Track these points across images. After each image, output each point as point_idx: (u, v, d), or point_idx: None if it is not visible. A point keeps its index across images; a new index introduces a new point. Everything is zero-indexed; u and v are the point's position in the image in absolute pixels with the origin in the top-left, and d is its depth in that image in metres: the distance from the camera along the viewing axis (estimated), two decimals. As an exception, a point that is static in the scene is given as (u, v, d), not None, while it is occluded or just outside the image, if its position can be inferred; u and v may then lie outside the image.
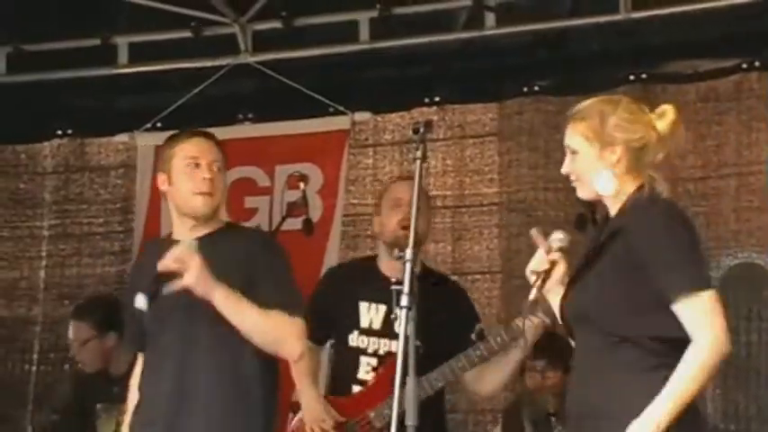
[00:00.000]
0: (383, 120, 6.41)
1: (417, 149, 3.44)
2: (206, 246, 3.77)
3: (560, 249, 3.33)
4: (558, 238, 3.27)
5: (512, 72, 6.21)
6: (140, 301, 3.77)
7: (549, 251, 3.31)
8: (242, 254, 3.86)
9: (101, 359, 5.24)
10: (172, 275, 3.63)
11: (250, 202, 6.45)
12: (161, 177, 3.83)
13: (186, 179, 3.78)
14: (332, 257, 6.49)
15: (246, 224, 5.60)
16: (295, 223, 5.83)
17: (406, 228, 3.79)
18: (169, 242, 3.85)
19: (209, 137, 4.01)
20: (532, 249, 3.36)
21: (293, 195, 6.55)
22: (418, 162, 3.46)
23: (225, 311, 3.70)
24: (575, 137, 3.26)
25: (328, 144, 6.69)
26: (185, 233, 3.86)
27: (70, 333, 5.59)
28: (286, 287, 3.88)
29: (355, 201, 6.52)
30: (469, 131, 6.32)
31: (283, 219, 5.65)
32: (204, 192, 3.79)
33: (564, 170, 3.30)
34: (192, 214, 3.79)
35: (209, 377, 3.81)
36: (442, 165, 6.20)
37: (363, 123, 6.47)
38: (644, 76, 5.79)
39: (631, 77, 5.74)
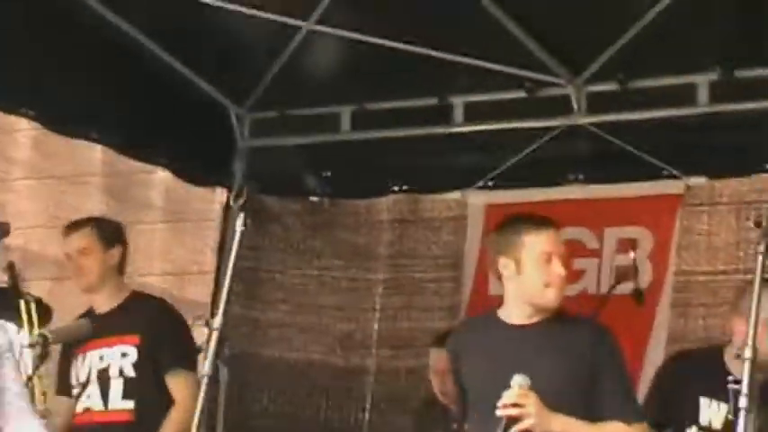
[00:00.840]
0: (720, 185, 6.26)
1: (759, 244, 3.44)
2: (543, 332, 3.99)
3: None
4: None
5: None
6: None
7: None
8: (584, 346, 4.00)
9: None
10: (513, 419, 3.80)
11: (578, 263, 6.34)
12: (504, 262, 3.94)
13: (540, 273, 3.91)
14: (662, 325, 6.43)
15: (572, 286, 5.73)
16: (623, 288, 5.88)
17: None
18: (495, 322, 4.08)
19: (557, 227, 4.13)
20: None
21: (623, 260, 6.57)
22: (760, 257, 3.47)
23: None
24: None
25: (660, 208, 6.62)
26: (518, 317, 4.02)
27: (431, 361, 5.88)
28: (628, 393, 4.08)
29: (687, 267, 6.37)
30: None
31: (613, 286, 5.82)
32: (558, 286, 3.96)
33: None
34: (541, 306, 3.94)
35: None
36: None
37: (698, 188, 6.36)
38: None
39: None
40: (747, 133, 6.21)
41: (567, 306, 4.35)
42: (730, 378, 3.88)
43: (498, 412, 3.86)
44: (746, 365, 3.38)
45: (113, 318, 5.30)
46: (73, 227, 5.52)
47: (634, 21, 5.86)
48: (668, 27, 5.86)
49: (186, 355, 5.31)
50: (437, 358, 5.88)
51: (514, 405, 3.84)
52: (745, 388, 3.36)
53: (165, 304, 5.56)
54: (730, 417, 3.79)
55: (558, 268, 3.95)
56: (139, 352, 5.21)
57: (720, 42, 6.12)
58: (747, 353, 3.41)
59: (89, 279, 5.30)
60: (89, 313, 5.30)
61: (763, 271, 3.56)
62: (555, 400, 3.95)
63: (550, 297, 3.97)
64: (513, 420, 3.85)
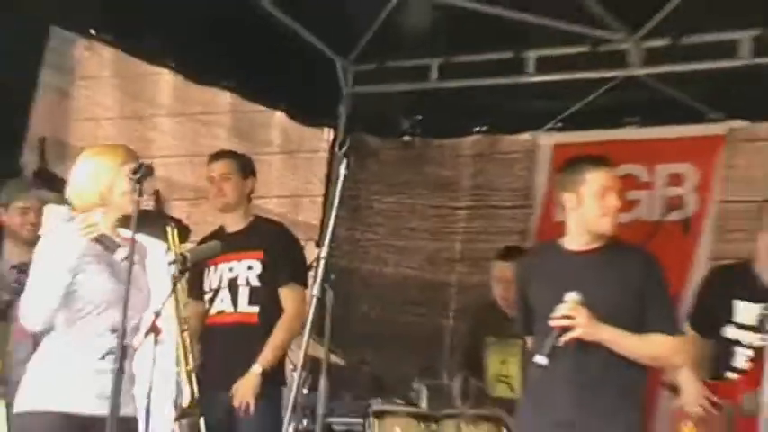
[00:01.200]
0: (757, 127, 6.65)
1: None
2: (601, 257, 4.30)
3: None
4: None
5: None
6: (541, 360, 4.18)
7: None
8: (635, 271, 4.29)
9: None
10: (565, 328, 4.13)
11: (632, 195, 6.73)
12: (567, 196, 4.27)
13: (597, 204, 4.24)
14: (704, 249, 6.79)
15: (626, 215, 5.95)
16: (672, 216, 6.23)
17: None
18: (558, 249, 4.40)
19: (612, 165, 4.44)
20: None
21: (672, 192, 6.94)
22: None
23: (610, 345, 4.21)
24: None
25: (706, 147, 6.99)
26: (578, 244, 4.35)
27: (495, 271, 6.31)
28: (670, 312, 4.36)
29: (728, 198, 6.73)
30: None
31: (664, 215, 6.24)
32: (612, 216, 4.29)
33: None
34: (598, 233, 4.26)
35: (602, 389, 4.36)
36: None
37: (739, 130, 6.71)
38: None
39: None
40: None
41: (621, 233, 4.61)
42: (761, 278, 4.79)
43: (551, 323, 4.16)
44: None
45: (241, 236, 5.65)
46: (218, 156, 5.86)
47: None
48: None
49: (300, 272, 5.69)
50: (500, 268, 6.32)
51: (566, 317, 4.14)
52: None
53: (283, 227, 5.88)
54: (765, 311, 4.41)
55: (612, 200, 4.21)
56: (263, 266, 5.55)
57: (762, 4, 6.24)
58: None
59: (227, 200, 5.62)
60: (221, 231, 5.71)
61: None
62: (607, 316, 4.22)
63: (605, 225, 4.22)
64: (565, 330, 4.15)
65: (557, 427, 4.35)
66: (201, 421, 5.23)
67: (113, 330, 4.07)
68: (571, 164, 4.44)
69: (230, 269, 5.60)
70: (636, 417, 4.43)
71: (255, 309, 5.59)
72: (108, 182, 4.22)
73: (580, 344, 4.18)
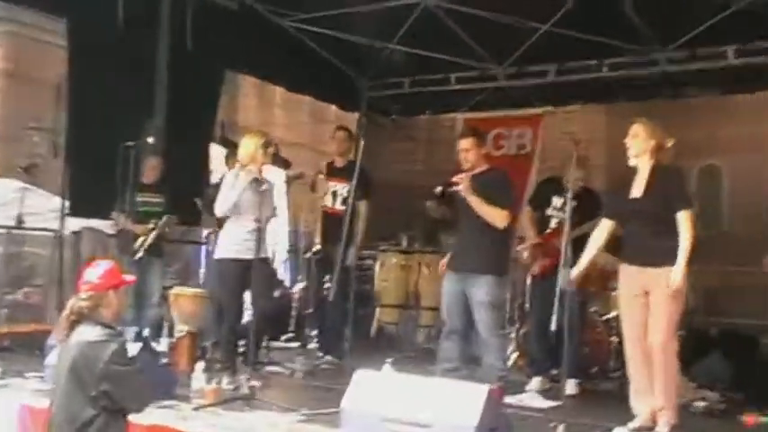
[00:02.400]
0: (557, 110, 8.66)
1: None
2: (479, 173, 5.42)
3: None
4: None
5: None
6: (437, 191, 5.48)
7: None
8: (493, 175, 5.57)
9: None
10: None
11: (501, 142, 9.03)
12: None
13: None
14: (535, 169, 8.81)
15: (498, 152, 8.36)
16: (519, 152, 8.47)
17: None
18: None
19: (464, 136, 5.71)
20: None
21: (519, 141, 8.92)
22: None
23: (472, 204, 5.44)
24: None
25: (533, 119, 9.04)
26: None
27: None
28: (503, 198, 5.51)
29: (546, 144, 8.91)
30: None
31: (517, 151, 8.41)
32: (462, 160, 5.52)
33: None
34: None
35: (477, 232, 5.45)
36: None
37: (550, 111, 8.84)
38: None
39: None
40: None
41: (497, 160, 6.57)
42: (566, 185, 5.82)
43: (453, 179, 5.42)
44: (570, 187, 5.25)
45: (343, 170, 6.97)
46: (340, 127, 7.30)
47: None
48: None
49: (368, 192, 6.79)
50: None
51: (459, 178, 5.40)
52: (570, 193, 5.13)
53: (364, 170, 6.55)
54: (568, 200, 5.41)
55: (461, 156, 5.49)
56: (350, 188, 6.68)
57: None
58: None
59: (346, 151, 7.04)
60: (332, 164, 7.11)
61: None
62: (479, 192, 5.33)
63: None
64: (455, 184, 5.38)
65: (456, 252, 5.62)
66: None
67: (256, 220, 5.60)
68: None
69: (334, 185, 7.02)
70: (499, 251, 5.63)
71: (343, 207, 6.85)
72: (253, 149, 5.77)
73: (467, 207, 5.43)
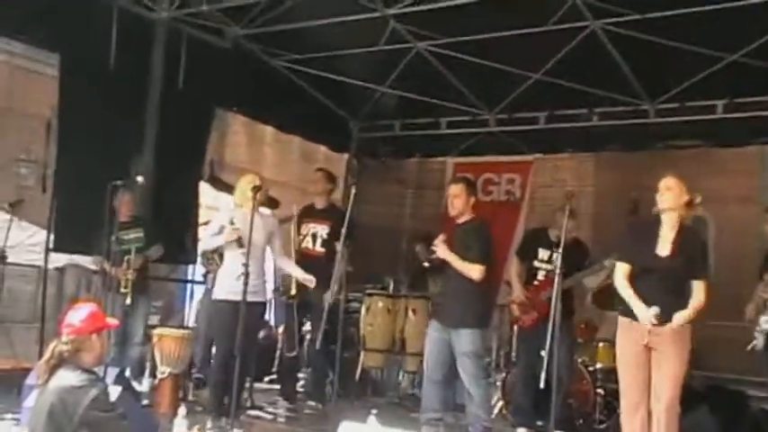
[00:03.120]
0: (550, 157, 8.79)
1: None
2: (462, 225, 5.60)
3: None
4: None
5: None
6: (426, 263, 5.83)
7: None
8: (471, 230, 5.63)
9: None
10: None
11: (490, 188, 9.14)
12: None
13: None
14: (522, 219, 8.94)
15: (488, 197, 8.35)
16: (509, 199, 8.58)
17: None
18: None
19: (454, 182, 5.85)
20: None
21: (508, 187, 8.89)
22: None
23: (451, 263, 5.61)
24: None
25: (524, 166, 9.09)
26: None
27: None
28: (480, 252, 5.60)
29: (534, 194, 8.89)
30: None
31: (505, 198, 8.44)
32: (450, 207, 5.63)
33: None
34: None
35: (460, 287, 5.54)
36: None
37: (540, 158, 8.89)
38: None
39: None
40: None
41: (484, 206, 6.61)
42: (552, 238, 6.09)
43: (433, 247, 5.64)
44: (562, 240, 5.11)
45: (323, 212, 7.00)
46: (320, 170, 7.28)
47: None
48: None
49: (341, 233, 6.53)
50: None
51: (434, 246, 5.61)
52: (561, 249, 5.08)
53: (343, 212, 6.68)
54: (554, 253, 5.74)
55: (449, 202, 5.60)
56: (330, 230, 6.87)
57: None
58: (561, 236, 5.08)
59: (325, 192, 7.04)
60: (312, 206, 7.08)
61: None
62: (459, 251, 5.48)
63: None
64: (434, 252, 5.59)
65: (442, 305, 5.76)
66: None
67: (243, 264, 5.52)
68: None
69: (314, 227, 7.02)
70: (480, 304, 5.74)
71: (323, 250, 6.96)
72: (243, 191, 5.84)
73: (444, 263, 5.61)
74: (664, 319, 4.61)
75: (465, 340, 5.59)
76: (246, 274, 5.45)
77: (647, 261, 4.70)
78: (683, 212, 4.73)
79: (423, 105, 8.95)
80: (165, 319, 8.18)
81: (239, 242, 5.62)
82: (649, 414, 4.76)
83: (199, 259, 7.49)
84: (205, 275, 7.48)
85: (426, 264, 5.83)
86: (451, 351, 5.66)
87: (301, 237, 6.99)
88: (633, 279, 4.75)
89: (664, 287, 4.66)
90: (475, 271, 5.57)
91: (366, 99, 9.34)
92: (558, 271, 5.18)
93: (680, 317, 4.54)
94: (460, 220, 5.76)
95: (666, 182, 4.71)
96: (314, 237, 7.06)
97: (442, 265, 5.72)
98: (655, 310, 4.59)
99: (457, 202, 5.80)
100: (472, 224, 5.77)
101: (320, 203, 7.14)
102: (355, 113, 9.82)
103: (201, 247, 5.97)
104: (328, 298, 6.65)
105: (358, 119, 9.89)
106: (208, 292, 7.18)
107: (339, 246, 6.61)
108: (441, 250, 5.57)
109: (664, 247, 4.72)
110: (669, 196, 4.70)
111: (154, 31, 7.55)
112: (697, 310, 4.60)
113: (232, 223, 5.72)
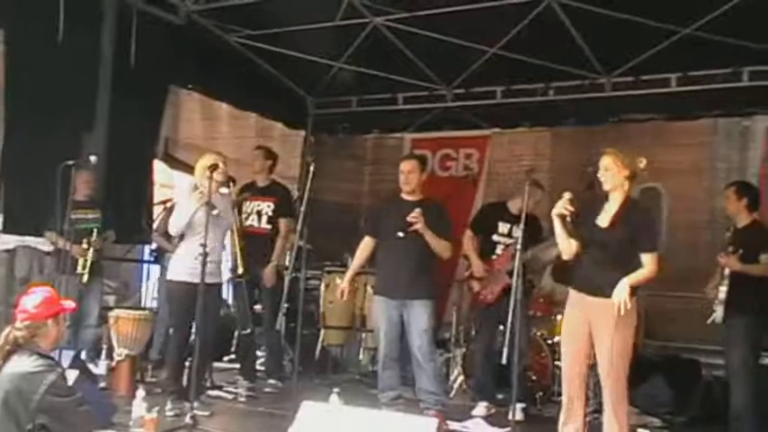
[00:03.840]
0: (506, 132, 8.95)
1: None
2: (420, 203, 5.64)
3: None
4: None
5: None
6: (401, 233, 5.52)
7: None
8: (434, 209, 5.76)
9: None
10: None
11: (447, 164, 9.08)
12: None
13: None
14: (480, 194, 8.92)
15: (445, 173, 8.43)
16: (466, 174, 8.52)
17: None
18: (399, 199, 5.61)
19: (406, 159, 5.88)
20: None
21: (466, 162, 8.86)
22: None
23: (427, 239, 5.68)
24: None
25: (481, 141, 9.07)
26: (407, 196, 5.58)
27: None
28: (447, 229, 5.77)
29: (492, 168, 8.89)
30: None
31: (463, 173, 8.50)
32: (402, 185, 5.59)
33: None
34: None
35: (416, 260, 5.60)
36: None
37: (498, 132, 8.89)
38: None
39: None
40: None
41: (441, 183, 6.85)
42: (514, 211, 6.20)
43: (408, 219, 5.60)
44: (523, 216, 5.08)
45: (266, 189, 7.00)
46: (260, 147, 7.16)
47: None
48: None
49: (292, 210, 6.76)
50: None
51: (414, 218, 5.61)
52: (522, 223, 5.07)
53: (286, 187, 7.18)
54: (514, 228, 5.98)
55: (401, 178, 5.64)
56: (275, 206, 6.86)
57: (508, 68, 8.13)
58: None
59: (264, 169, 7.01)
60: (253, 184, 7.00)
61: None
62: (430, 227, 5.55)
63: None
64: (411, 225, 5.61)
65: (393, 278, 5.71)
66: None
67: (202, 245, 5.44)
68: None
69: (258, 204, 6.98)
70: (431, 276, 5.86)
71: (269, 227, 6.94)
72: (201, 171, 5.77)
73: (404, 235, 5.69)
74: (603, 292, 4.61)
75: (423, 316, 5.63)
76: (205, 255, 5.39)
77: (585, 233, 4.71)
78: (626, 187, 4.71)
79: (379, 81, 8.88)
80: (121, 300, 8.10)
81: (209, 205, 5.56)
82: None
83: (154, 237, 7.41)
84: (158, 255, 7.42)
85: (401, 234, 5.66)
86: (405, 328, 5.68)
87: (245, 215, 6.92)
88: (579, 252, 4.76)
89: (602, 259, 4.65)
90: (448, 249, 5.74)
91: (322, 75, 9.21)
92: (518, 245, 5.14)
93: (619, 290, 4.51)
94: (413, 198, 5.78)
95: (603, 162, 4.70)
96: (258, 214, 7.00)
97: (400, 237, 5.69)
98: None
99: (411, 177, 5.84)
100: (431, 204, 5.81)
101: (261, 181, 7.07)
102: (312, 90, 9.71)
103: (175, 225, 5.82)
104: (268, 273, 6.66)
105: (314, 95, 9.80)
106: (165, 271, 6.91)
107: (292, 223, 6.63)
108: (421, 224, 5.62)
109: (604, 220, 4.73)
110: (607, 176, 4.69)
111: (103, 5, 7.35)
112: (641, 282, 4.58)
113: (196, 188, 5.69)
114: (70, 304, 4.04)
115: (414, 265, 5.68)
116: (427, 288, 5.73)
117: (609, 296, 4.57)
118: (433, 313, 5.73)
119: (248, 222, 6.95)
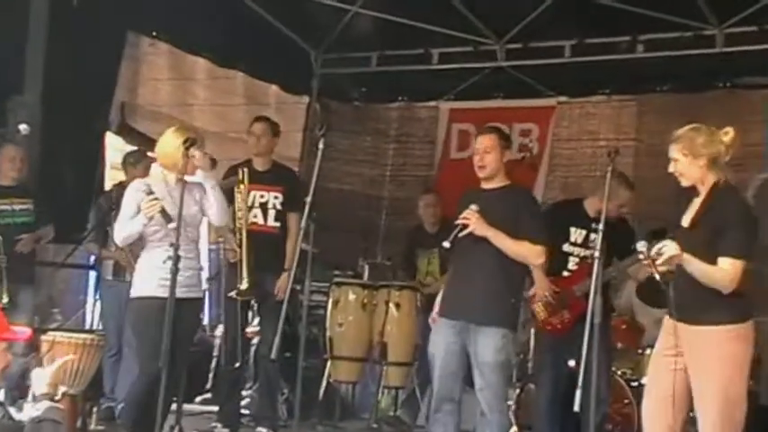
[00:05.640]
0: (576, 101, 8.85)
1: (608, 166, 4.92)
2: (500, 192, 5.50)
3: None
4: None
5: None
6: (446, 244, 5.36)
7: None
8: (520, 199, 5.59)
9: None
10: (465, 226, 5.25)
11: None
12: None
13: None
14: (542, 178, 8.97)
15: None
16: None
17: None
18: (479, 189, 5.51)
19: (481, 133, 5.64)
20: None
21: (523, 141, 8.93)
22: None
23: (492, 241, 5.40)
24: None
25: (543, 113, 9.08)
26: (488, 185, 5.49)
27: (422, 201, 7.82)
28: (537, 227, 5.51)
29: (557, 147, 8.93)
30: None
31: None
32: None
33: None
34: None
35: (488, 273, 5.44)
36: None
37: (564, 102, 8.93)
38: None
39: None
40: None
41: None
42: (591, 213, 6.01)
43: (456, 222, 5.40)
44: (602, 219, 4.96)
45: (269, 174, 6.81)
46: (258, 119, 7.01)
47: None
48: None
49: (300, 204, 6.01)
50: (425, 198, 7.93)
51: (465, 218, 5.35)
52: (601, 225, 4.95)
53: (293, 172, 7.11)
54: (592, 234, 5.78)
55: (476, 160, 5.47)
56: (284, 197, 6.74)
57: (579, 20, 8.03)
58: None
59: (269, 150, 6.82)
60: (252, 168, 6.75)
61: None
62: (498, 224, 5.34)
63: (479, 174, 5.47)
64: (465, 227, 5.35)
65: (458, 296, 5.57)
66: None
67: (171, 245, 5.28)
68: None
69: (262, 195, 6.79)
70: (510, 294, 5.59)
71: (278, 224, 6.82)
72: (172, 150, 5.53)
73: (475, 239, 5.39)
74: (687, 317, 4.46)
75: (491, 346, 5.42)
76: (176, 259, 5.22)
77: (674, 235, 4.53)
78: (709, 177, 4.48)
79: (408, 32, 8.70)
80: (47, 318, 7.95)
81: (164, 215, 5.34)
82: None
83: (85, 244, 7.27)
84: (97, 260, 7.31)
85: (447, 245, 5.37)
86: (468, 361, 5.51)
87: (239, 210, 6.75)
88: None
89: (690, 276, 4.44)
90: (535, 253, 5.47)
91: (333, 23, 9.07)
92: (596, 252, 4.93)
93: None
94: (493, 185, 5.58)
95: (670, 152, 4.51)
96: (263, 208, 6.84)
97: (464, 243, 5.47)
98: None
99: (489, 159, 5.58)
100: (514, 192, 5.64)
101: (262, 164, 6.89)
102: (318, 42, 9.53)
103: (120, 236, 5.59)
104: (282, 284, 6.54)
105: (322, 49, 9.62)
106: (106, 283, 7.08)
107: (289, 216, 6.60)
108: (478, 225, 5.32)
109: (687, 219, 4.59)
110: (679, 170, 4.53)
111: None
112: (708, 279, 4.35)
113: (151, 193, 5.43)
114: (25, 330, 4.00)
115: (482, 278, 5.50)
116: (501, 311, 5.50)
117: (704, 323, 4.42)
118: (507, 346, 5.53)
119: (250, 218, 6.79)
